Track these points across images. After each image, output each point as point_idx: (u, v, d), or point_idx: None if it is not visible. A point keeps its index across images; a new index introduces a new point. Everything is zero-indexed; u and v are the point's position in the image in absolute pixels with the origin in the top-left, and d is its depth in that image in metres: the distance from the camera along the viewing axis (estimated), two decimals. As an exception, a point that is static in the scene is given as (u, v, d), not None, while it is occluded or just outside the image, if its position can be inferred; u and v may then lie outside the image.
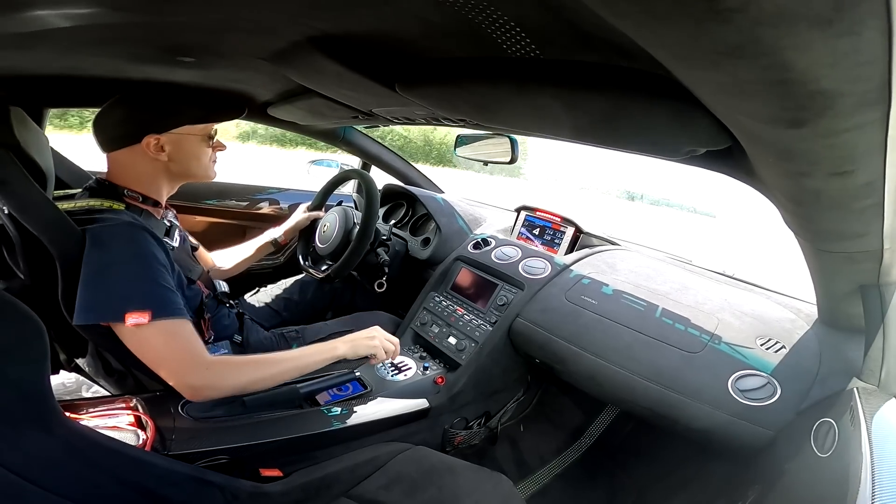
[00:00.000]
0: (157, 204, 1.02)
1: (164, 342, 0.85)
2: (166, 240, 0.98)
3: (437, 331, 1.45)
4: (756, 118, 0.40)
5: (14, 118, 0.86)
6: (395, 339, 1.11)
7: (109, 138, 0.95)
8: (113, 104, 0.95)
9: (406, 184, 2.00)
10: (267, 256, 1.61)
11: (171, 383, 0.85)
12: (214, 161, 1.08)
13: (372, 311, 1.55)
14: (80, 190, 0.98)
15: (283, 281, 1.63)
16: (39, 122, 1.33)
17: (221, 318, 1.18)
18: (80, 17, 0.64)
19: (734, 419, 0.92)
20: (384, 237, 1.58)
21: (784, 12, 0.25)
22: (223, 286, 1.26)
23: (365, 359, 1.22)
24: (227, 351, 1.10)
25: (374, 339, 1.06)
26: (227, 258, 1.45)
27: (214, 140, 1.05)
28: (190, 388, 0.85)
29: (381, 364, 1.29)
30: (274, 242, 1.50)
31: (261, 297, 1.55)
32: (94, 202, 0.92)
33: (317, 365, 0.98)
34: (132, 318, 0.81)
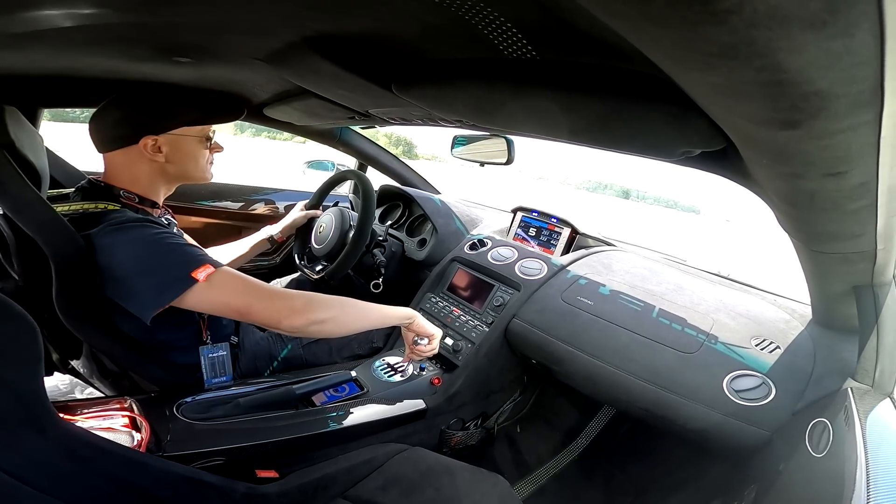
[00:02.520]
0: (154, 205, 1.02)
1: (241, 283, 0.90)
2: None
3: (433, 332, 1.45)
4: (750, 119, 0.40)
5: (9, 117, 0.86)
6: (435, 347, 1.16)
7: (106, 139, 0.95)
8: (109, 104, 0.95)
9: (402, 184, 1.99)
10: (263, 256, 1.61)
11: (270, 318, 0.89)
12: (211, 163, 1.08)
13: None
14: (72, 190, 0.98)
15: (279, 280, 1.63)
16: (34, 121, 1.32)
17: (220, 318, 1.18)
18: (75, 17, 0.63)
19: (730, 419, 0.92)
20: (380, 238, 1.58)
21: (778, 14, 0.25)
22: None
23: (377, 350, 1.33)
24: (225, 353, 1.10)
25: (436, 338, 1.13)
26: (224, 255, 1.44)
27: (212, 142, 1.05)
28: (290, 310, 0.90)
29: (379, 363, 1.29)
30: (270, 239, 1.50)
31: None
32: (88, 205, 0.92)
33: (388, 322, 1.06)
34: (201, 273, 0.85)
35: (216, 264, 0.89)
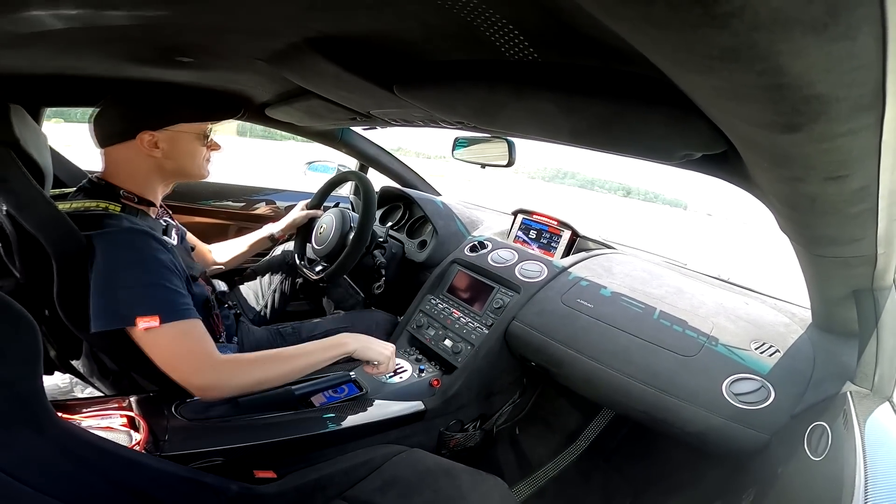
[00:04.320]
0: (152, 204, 1.02)
1: (175, 344, 0.87)
2: (165, 238, 0.98)
3: (432, 333, 1.45)
4: (751, 123, 0.40)
5: (14, 116, 0.86)
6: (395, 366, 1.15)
7: (105, 134, 0.96)
8: (109, 101, 0.96)
9: (403, 186, 2.00)
10: (263, 255, 1.61)
11: (180, 384, 0.86)
12: (209, 160, 1.08)
13: (368, 310, 1.54)
14: (73, 189, 0.98)
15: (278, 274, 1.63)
16: (37, 120, 1.32)
17: (224, 317, 1.18)
18: (78, 17, 0.63)
19: (729, 422, 0.92)
20: (381, 239, 1.58)
21: (779, 17, 0.25)
22: (222, 286, 1.26)
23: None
24: (233, 351, 1.10)
25: (388, 351, 1.08)
26: (224, 252, 1.45)
27: (210, 140, 1.06)
28: (198, 389, 0.88)
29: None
30: (271, 238, 1.50)
31: (253, 287, 1.54)
32: (89, 203, 0.92)
33: (326, 362, 1.00)
34: (143, 323, 0.83)
35: (172, 318, 0.86)
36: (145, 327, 0.83)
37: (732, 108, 0.40)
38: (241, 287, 1.56)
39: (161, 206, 1.08)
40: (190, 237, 1.24)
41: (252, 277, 1.60)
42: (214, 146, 1.08)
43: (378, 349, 1.07)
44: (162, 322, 0.84)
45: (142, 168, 0.98)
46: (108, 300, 0.85)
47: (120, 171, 0.97)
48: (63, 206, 0.90)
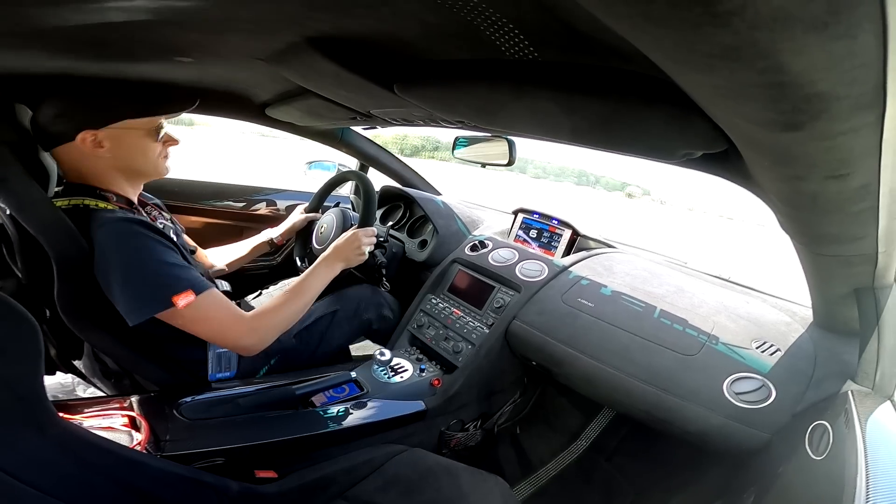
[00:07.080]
0: (130, 203, 0.99)
1: (215, 313, 0.93)
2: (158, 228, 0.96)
3: (433, 333, 1.45)
4: (752, 121, 0.40)
5: (18, 115, 0.86)
6: (371, 230, 1.24)
7: (46, 136, 0.91)
8: (47, 102, 0.91)
9: (404, 185, 2.00)
10: (263, 257, 1.61)
11: (230, 349, 1.00)
12: (165, 157, 1.03)
13: (356, 286, 1.52)
14: (59, 188, 0.97)
15: (285, 281, 1.63)
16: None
17: None
18: (77, 16, 0.63)
19: (729, 422, 0.92)
20: (381, 239, 1.58)
21: (780, 15, 0.25)
22: (225, 285, 1.25)
23: (363, 359, 1.27)
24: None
25: (360, 247, 1.18)
26: (223, 256, 1.44)
27: (163, 134, 1.00)
28: (246, 349, 0.98)
29: (377, 366, 1.29)
30: (270, 242, 1.50)
31: (263, 300, 1.54)
32: (76, 200, 0.91)
33: (324, 286, 1.13)
34: (181, 300, 0.87)
35: (198, 289, 0.90)
36: (184, 304, 0.87)
37: (733, 106, 0.39)
38: (264, 294, 1.57)
39: (150, 205, 1.08)
40: (188, 240, 1.23)
41: (268, 280, 1.60)
42: (171, 141, 1.02)
43: (357, 256, 1.19)
44: (196, 294, 0.89)
45: (97, 167, 0.94)
46: (137, 291, 0.87)
47: (76, 172, 0.94)
48: (61, 202, 0.90)
